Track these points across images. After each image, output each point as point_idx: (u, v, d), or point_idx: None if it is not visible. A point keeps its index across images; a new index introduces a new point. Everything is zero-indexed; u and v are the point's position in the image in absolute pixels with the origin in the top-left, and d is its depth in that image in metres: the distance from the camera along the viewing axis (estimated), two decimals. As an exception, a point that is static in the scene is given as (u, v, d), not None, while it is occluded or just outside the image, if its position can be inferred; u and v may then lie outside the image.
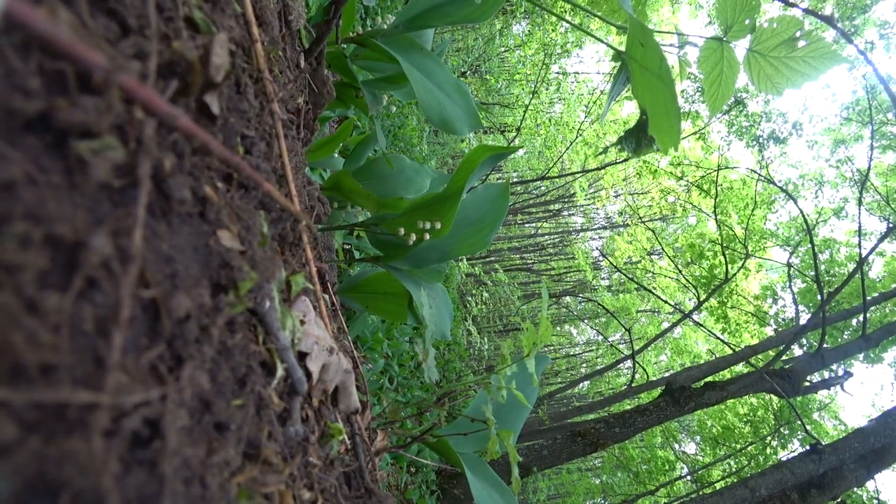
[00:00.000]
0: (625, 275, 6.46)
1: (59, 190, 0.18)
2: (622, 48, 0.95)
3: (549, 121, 8.28)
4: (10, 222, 0.17)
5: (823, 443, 3.66)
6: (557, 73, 8.70)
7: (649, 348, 8.42)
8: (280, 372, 0.38)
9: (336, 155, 2.01)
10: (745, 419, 7.03)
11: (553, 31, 7.57)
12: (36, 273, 0.17)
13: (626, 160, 6.68)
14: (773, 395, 5.52)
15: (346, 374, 0.55)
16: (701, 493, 6.49)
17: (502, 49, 8.50)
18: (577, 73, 9.68)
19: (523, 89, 8.28)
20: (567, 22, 1.16)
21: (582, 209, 11.61)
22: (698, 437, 8.45)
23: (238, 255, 0.31)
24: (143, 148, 0.22)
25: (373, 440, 0.96)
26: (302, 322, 0.48)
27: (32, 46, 0.19)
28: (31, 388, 0.16)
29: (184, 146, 0.29)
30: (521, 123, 6.61)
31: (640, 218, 8.72)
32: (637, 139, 0.90)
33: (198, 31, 0.33)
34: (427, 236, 1.44)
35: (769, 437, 6.46)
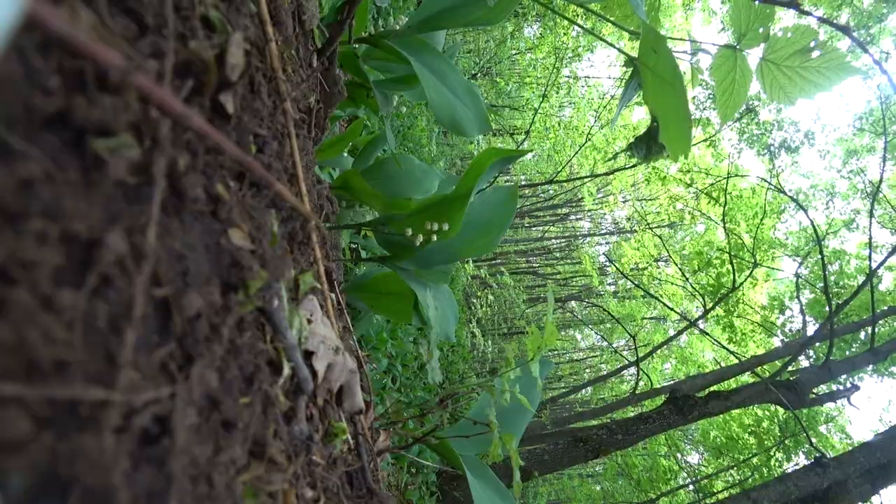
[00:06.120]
0: (631, 281, 6.43)
1: (76, 188, 0.19)
2: (634, 54, 0.94)
3: (559, 124, 8.27)
4: (28, 219, 0.17)
5: (829, 456, 3.63)
6: (568, 76, 8.68)
7: (654, 356, 8.37)
8: (287, 371, 0.38)
9: (345, 154, 2.01)
10: (749, 430, 6.97)
11: (565, 34, 7.56)
12: (51, 270, 0.17)
13: (634, 166, 6.65)
14: (778, 407, 5.47)
15: (351, 373, 0.55)
16: (703, 503, 6.44)
17: (513, 52, 8.50)
18: (588, 78, 9.65)
19: (533, 92, 8.27)
20: (579, 26, 1.16)
21: (589, 214, 11.57)
22: (702, 447, 8.40)
23: (248, 253, 0.32)
24: (158, 146, 0.22)
25: (375, 440, 0.96)
26: (309, 321, 0.48)
27: (52, 45, 0.19)
28: (45, 384, 0.16)
29: (197, 145, 0.29)
30: (530, 126, 6.60)
31: (648, 224, 8.67)
32: (648, 146, 0.89)
33: (213, 30, 0.33)
34: (434, 237, 1.45)
35: (773, 449, 6.41)
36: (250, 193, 0.35)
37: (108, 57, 0.21)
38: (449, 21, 1.42)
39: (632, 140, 0.94)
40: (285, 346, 0.39)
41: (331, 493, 0.48)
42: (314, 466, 0.46)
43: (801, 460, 6.09)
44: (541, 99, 7.15)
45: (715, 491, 6.70)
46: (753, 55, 1.07)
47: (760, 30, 1.04)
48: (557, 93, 8.19)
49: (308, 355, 0.48)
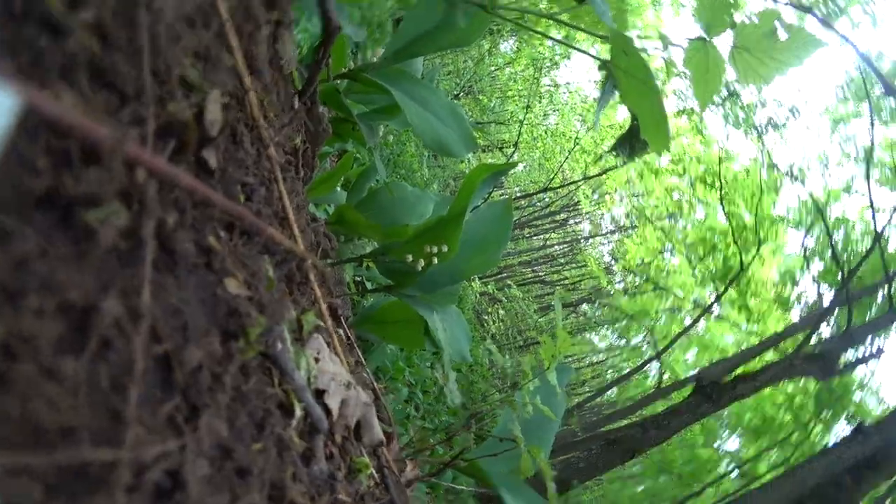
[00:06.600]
0: (639, 276, 6.40)
1: (69, 259, 0.20)
2: (608, 57, 0.97)
3: (546, 133, 8.35)
4: (26, 295, 0.18)
5: (867, 423, 3.57)
6: (549, 85, 8.80)
7: (675, 347, 8.24)
8: (299, 412, 0.38)
9: (338, 189, 2.04)
10: (783, 407, 6.83)
11: (540, 45, 7.68)
12: (52, 340, 0.18)
13: (626, 163, 6.69)
14: (809, 380, 5.37)
15: (366, 406, 0.55)
16: (748, 487, 6.28)
17: (493, 68, 8.63)
18: (569, 84, 9.77)
19: (517, 105, 8.37)
20: (551, 38, 1.18)
21: (588, 216, 11.58)
22: (739, 431, 8.20)
23: (245, 300, 0.32)
24: (146, 210, 0.23)
25: (402, 471, 0.95)
26: (316, 360, 0.48)
27: (40, 128, 0.20)
28: (52, 452, 0.17)
29: (185, 202, 0.30)
30: (518, 139, 6.67)
31: (647, 218, 8.67)
32: (631, 144, 0.91)
33: (192, 89, 0.35)
34: (435, 260, 1.46)
35: (811, 423, 6.30)
36: (242, 241, 0.36)
37: (96, 132, 0.22)
38: (423, 48, 1.46)
39: (616, 141, 0.96)
40: (294, 388, 0.39)
41: (360, 528, 0.48)
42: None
43: (841, 430, 5.98)
44: (525, 110, 7.24)
45: (759, 474, 6.54)
46: (724, 42, 1.09)
47: (726, 18, 1.07)
48: (540, 102, 8.30)
49: (319, 394, 0.49)
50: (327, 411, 0.49)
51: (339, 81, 1.59)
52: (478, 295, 6.87)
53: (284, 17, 0.80)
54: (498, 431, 1.42)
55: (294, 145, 0.94)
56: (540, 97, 7.94)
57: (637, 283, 9.34)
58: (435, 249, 1.45)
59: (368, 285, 2.50)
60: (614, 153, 0.94)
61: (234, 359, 0.28)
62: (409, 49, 1.43)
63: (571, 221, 11.60)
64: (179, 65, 0.38)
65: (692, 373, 7.67)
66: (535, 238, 11.53)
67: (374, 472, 0.63)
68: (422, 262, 1.46)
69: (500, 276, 9.70)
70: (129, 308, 0.21)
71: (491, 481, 1.50)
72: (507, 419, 1.32)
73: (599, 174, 7.30)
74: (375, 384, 1.16)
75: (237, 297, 0.31)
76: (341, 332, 0.97)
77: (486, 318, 7.47)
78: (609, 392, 9.53)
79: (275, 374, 0.37)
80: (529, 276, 11.04)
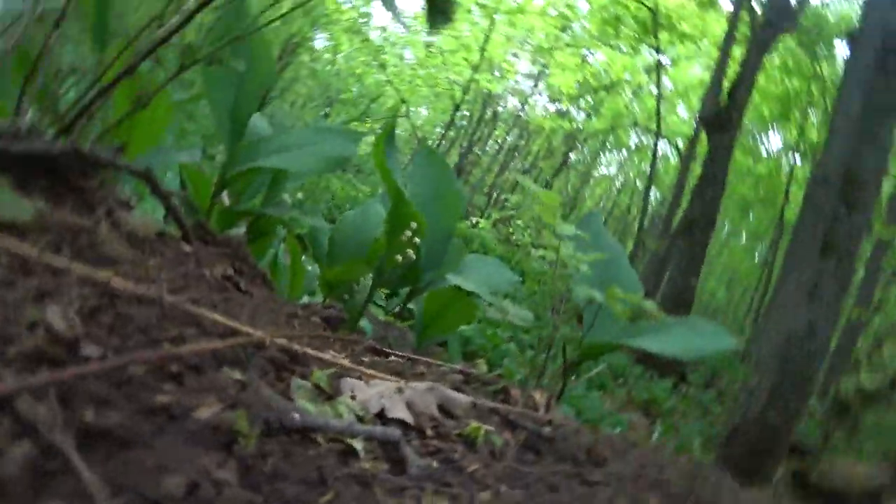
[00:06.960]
0: (586, 95, 6.34)
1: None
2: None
3: (414, 68, 8.22)
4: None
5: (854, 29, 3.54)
6: (378, 34, 8.62)
7: (664, 113, 8.11)
8: (359, 445, 0.39)
9: (309, 268, 2.05)
10: (783, 79, 6.75)
11: (341, 13, 7.52)
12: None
13: (490, 31, 6.54)
14: (776, 41, 5.28)
15: (430, 390, 0.56)
16: (817, 158, 6.29)
17: (329, 66, 8.50)
18: (392, 19, 9.55)
19: (373, 74, 8.25)
20: None
21: (507, 94, 11.42)
22: (769, 124, 8.13)
23: (226, 409, 0.33)
24: (46, 426, 0.24)
25: (533, 405, 0.97)
26: (353, 397, 0.49)
27: None
28: None
29: (103, 391, 0.30)
30: (400, 96, 6.59)
31: (548, 49, 8.51)
32: (437, 8, 0.89)
33: (34, 323, 0.35)
34: (416, 239, 1.47)
35: (817, 66, 6.24)
36: (191, 375, 0.37)
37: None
38: (242, 110, 1.44)
39: (427, 21, 0.94)
40: (341, 432, 0.40)
41: (506, 476, 0.50)
42: (472, 474, 0.47)
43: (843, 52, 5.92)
44: (382, 70, 7.12)
45: (816, 142, 6.52)
46: None
47: None
48: (386, 53, 8.14)
49: (380, 415, 0.50)
50: (400, 422, 0.50)
51: (226, 200, 1.59)
52: (491, 228, 6.88)
53: (111, 203, 0.80)
54: (584, 307, 1.43)
55: (218, 274, 0.94)
56: (381, 50, 7.80)
57: (591, 102, 9.21)
58: (409, 233, 1.46)
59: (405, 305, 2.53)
60: (436, 27, 0.92)
61: (238, 458, 0.29)
62: (235, 120, 1.42)
63: (500, 109, 11.45)
64: (19, 310, 0.38)
65: (695, 123, 7.60)
66: (487, 148, 11.44)
67: (492, 428, 0.64)
68: (410, 251, 1.47)
69: (491, 201, 9.68)
70: (80, 494, 0.21)
71: (607, 346, 1.52)
72: (578, 291, 1.33)
73: (481, 54, 7.17)
74: (462, 366, 1.18)
75: (214, 416, 0.32)
76: (393, 357, 0.99)
77: (514, 237, 7.48)
78: (652, 197, 9.50)
79: (317, 436, 0.38)
80: (511, 177, 11.00)
